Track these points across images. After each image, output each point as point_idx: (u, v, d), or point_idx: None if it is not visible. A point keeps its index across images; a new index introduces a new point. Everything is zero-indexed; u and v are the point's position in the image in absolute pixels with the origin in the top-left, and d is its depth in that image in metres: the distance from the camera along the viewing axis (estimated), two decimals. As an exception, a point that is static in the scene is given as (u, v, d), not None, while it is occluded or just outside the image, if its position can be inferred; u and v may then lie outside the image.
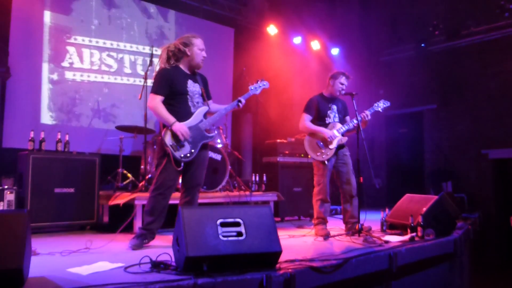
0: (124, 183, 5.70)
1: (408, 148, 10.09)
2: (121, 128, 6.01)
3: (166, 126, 3.65)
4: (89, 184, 4.95)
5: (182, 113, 3.67)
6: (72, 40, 6.78)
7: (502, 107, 8.85)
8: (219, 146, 6.08)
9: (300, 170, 6.45)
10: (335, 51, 9.90)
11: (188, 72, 3.81)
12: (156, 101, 3.64)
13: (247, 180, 6.62)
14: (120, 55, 7.29)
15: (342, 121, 4.93)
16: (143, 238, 3.67)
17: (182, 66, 3.80)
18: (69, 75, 6.72)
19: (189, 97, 3.72)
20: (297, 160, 6.50)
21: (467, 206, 8.32)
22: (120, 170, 5.79)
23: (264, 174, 6.34)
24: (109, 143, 6.62)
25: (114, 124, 6.71)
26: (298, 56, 9.49)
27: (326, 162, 4.67)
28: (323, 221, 4.73)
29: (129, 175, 5.80)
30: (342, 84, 4.84)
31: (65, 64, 6.69)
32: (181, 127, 3.59)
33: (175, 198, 4.78)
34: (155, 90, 3.67)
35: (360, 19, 10.56)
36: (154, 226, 3.70)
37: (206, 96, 3.87)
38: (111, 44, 7.21)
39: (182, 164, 3.64)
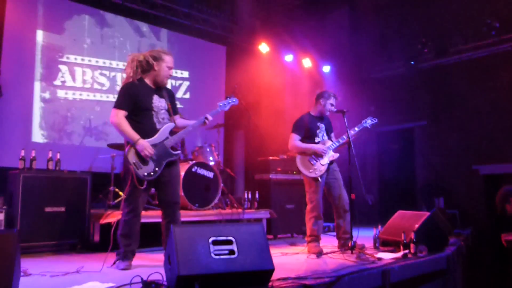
0: (116, 201, 5.65)
1: (400, 164, 10.12)
2: (113, 146, 5.99)
3: (129, 143, 3.58)
4: (80, 203, 4.91)
5: (146, 129, 3.60)
6: (64, 59, 6.80)
7: (491, 122, 8.93)
8: (212, 163, 6.08)
9: (292, 187, 6.45)
10: (326, 68, 9.99)
11: (153, 86, 3.74)
12: (119, 116, 3.54)
13: (239, 198, 6.58)
14: (113, 73, 7.31)
15: (329, 138, 5.00)
16: (128, 259, 3.62)
17: (147, 80, 3.73)
18: (61, 93, 6.72)
19: (154, 113, 3.65)
20: (289, 177, 6.50)
21: (459, 222, 8.32)
22: (111, 188, 5.76)
23: (257, 192, 6.32)
24: (101, 161, 6.59)
25: (106, 142, 6.69)
26: (289, 73, 9.57)
27: (319, 178, 4.68)
28: (316, 239, 4.72)
29: (120, 193, 5.76)
30: (332, 105, 4.93)
31: (57, 82, 6.69)
32: (145, 145, 3.51)
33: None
34: (118, 104, 3.58)
35: (351, 37, 10.68)
36: (133, 247, 3.66)
37: (172, 111, 3.79)
38: (104, 63, 7.24)
39: (145, 183, 3.56)
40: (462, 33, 9.29)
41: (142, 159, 3.56)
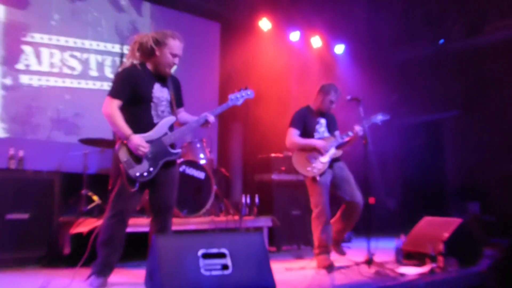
0: (89, 207, 5.63)
1: (427, 163, 10.12)
2: (86, 141, 5.98)
3: (121, 138, 3.62)
4: (46, 209, 4.92)
5: (142, 123, 3.65)
6: (28, 38, 6.77)
7: (534, 114, 8.91)
8: (202, 162, 6.08)
9: (299, 189, 6.40)
10: (339, 48, 9.95)
11: (155, 73, 3.78)
12: (112, 107, 3.57)
13: (236, 202, 6.61)
14: (85, 55, 7.28)
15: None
16: (104, 275, 3.62)
17: (149, 66, 3.77)
18: (24, 79, 6.69)
19: (153, 105, 3.68)
20: (295, 178, 6.49)
21: (497, 230, 8.32)
22: (84, 191, 5.73)
23: (257, 195, 6.33)
24: (71, 159, 6.57)
25: (77, 137, 6.65)
26: (295, 55, 9.54)
27: (317, 177, 4.72)
28: (326, 250, 4.74)
29: (94, 197, 5.76)
30: (331, 102, 5.03)
31: (20, 66, 6.67)
32: (138, 141, 3.54)
33: (135, 225, 4.77)
34: (114, 92, 3.61)
35: (369, 12, 10.64)
36: (112, 259, 3.66)
37: (176, 103, 3.83)
38: (75, 43, 7.21)
39: (137, 184, 3.59)
40: (500, 7, 9.26)
41: (135, 157, 3.59)
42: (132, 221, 4.96)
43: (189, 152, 6.24)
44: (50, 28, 7.00)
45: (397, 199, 10.46)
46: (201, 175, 5.78)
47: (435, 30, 10.01)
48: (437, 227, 4.88)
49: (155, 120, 3.69)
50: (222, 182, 7.10)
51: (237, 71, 6.84)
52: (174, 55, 3.75)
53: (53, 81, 6.94)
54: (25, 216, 4.76)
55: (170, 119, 3.76)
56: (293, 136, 4.95)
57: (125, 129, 3.56)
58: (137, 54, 3.74)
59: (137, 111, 3.66)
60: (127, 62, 3.77)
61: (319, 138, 4.96)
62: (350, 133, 4.92)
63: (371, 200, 4.72)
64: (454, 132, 10.07)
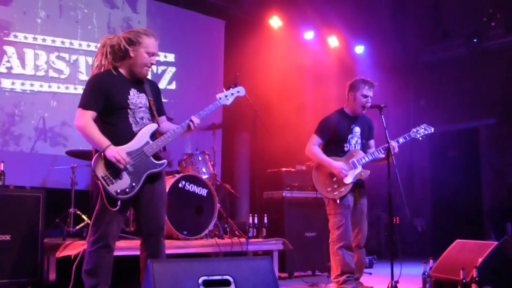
0: (77, 227, 5.68)
1: (460, 178, 10.08)
2: (74, 153, 6.02)
3: (98, 151, 3.59)
4: (30, 229, 4.91)
5: (119, 133, 3.62)
6: (11, 38, 6.84)
7: None
8: (205, 177, 6.09)
9: (313, 208, 6.42)
10: (359, 49, 9.98)
11: (130, 78, 3.76)
12: (85, 118, 3.57)
13: (242, 223, 6.62)
14: (74, 57, 7.34)
15: (365, 147, 5.01)
16: None
17: (122, 70, 3.76)
18: (6, 83, 6.76)
19: (130, 112, 3.67)
20: (309, 195, 6.50)
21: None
22: (71, 210, 5.77)
23: (266, 215, 6.34)
24: (58, 173, 6.62)
25: (64, 149, 6.72)
26: (310, 55, 9.57)
27: (338, 200, 4.70)
28: (351, 277, 4.74)
29: (84, 216, 5.79)
30: (365, 96, 4.92)
31: (1, 69, 6.73)
32: (117, 152, 3.51)
33: (125, 248, 4.80)
34: (84, 102, 3.60)
35: (393, 9, 10.67)
36: None
37: (156, 110, 3.81)
38: (62, 43, 7.28)
39: (119, 203, 3.57)
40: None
41: (115, 172, 3.56)
42: (124, 243, 5.02)
43: (190, 166, 6.25)
44: (35, 26, 7.07)
45: (425, 219, 10.41)
46: (203, 191, 5.78)
47: (469, 28, 10.00)
48: (470, 251, 4.86)
49: (134, 128, 3.67)
50: (227, 199, 7.06)
51: (243, 73, 6.86)
52: (150, 54, 3.74)
53: (38, 86, 7.00)
54: (6, 237, 4.78)
55: (151, 126, 3.74)
56: (313, 146, 4.89)
57: (102, 140, 3.54)
58: (109, 58, 3.71)
59: (113, 120, 3.64)
60: (96, 68, 3.74)
61: (348, 151, 4.87)
62: (383, 150, 4.80)
63: (396, 220, 4.71)
64: (491, 143, 10.03)
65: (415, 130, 4.98)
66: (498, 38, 9.77)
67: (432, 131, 5.02)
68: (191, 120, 3.80)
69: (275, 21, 8.94)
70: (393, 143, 4.77)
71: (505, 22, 9.52)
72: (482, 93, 10.05)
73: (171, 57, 8.36)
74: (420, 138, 4.99)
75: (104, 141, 3.54)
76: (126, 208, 3.71)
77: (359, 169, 4.81)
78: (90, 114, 3.59)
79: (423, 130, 4.99)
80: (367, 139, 5.06)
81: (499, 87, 9.87)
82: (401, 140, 4.88)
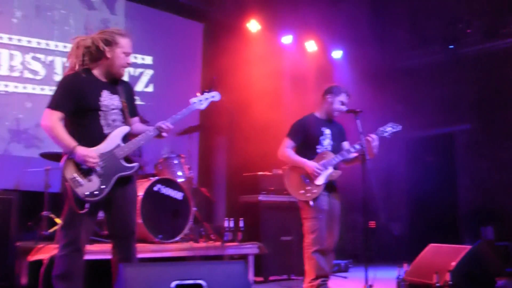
0: (51, 230, 5.61)
1: (436, 182, 10.15)
2: (48, 156, 5.97)
3: (66, 153, 3.56)
4: (2, 232, 4.88)
5: (90, 134, 3.59)
6: (-15, 38, 6.80)
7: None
8: (181, 180, 6.09)
9: (290, 212, 6.40)
10: (337, 54, 10.03)
11: (103, 79, 3.73)
12: (53, 119, 3.53)
13: (218, 227, 6.62)
14: (50, 58, 7.30)
15: (337, 149, 5.02)
16: None
17: (96, 72, 3.72)
18: (-21, 84, 6.70)
19: (101, 114, 3.63)
20: (285, 199, 6.50)
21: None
22: (45, 213, 5.72)
23: (241, 219, 6.33)
24: (32, 176, 6.55)
25: (38, 151, 6.66)
26: (288, 60, 9.59)
27: (311, 202, 4.72)
28: (325, 281, 4.75)
29: (57, 220, 5.74)
30: (342, 103, 5.00)
31: (-25, 70, 6.67)
32: (85, 152, 3.49)
33: (97, 252, 4.76)
34: (53, 103, 3.57)
35: (372, 14, 10.75)
36: None
37: (129, 112, 3.79)
38: (38, 43, 7.23)
39: (87, 205, 3.53)
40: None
41: (84, 174, 3.53)
42: (97, 246, 4.98)
43: (165, 169, 6.24)
44: (11, 26, 7.01)
45: (402, 223, 10.48)
46: (178, 195, 5.78)
47: (445, 34, 10.09)
48: (444, 255, 4.91)
49: (106, 131, 3.63)
50: (203, 203, 7.07)
51: (221, 77, 6.86)
52: (127, 54, 3.73)
53: (12, 87, 6.94)
54: (-23, 240, 4.75)
55: (123, 128, 3.71)
56: (286, 148, 4.92)
57: (69, 141, 3.50)
58: (86, 59, 3.68)
59: (84, 122, 3.61)
60: (69, 69, 3.71)
61: (320, 152, 4.91)
62: (358, 146, 4.83)
63: (372, 224, 4.73)
64: (467, 148, 10.10)
65: (381, 129, 5.01)
66: (474, 44, 9.86)
67: (400, 128, 5.05)
68: (160, 127, 3.78)
69: (253, 25, 8.95)
70: (373, 136, 4.82)
71: (481, 29, 9.64)
72: (458, 98, 10.13)
73: (148, 60, 8.34)
74: (388, 136, 5.01)
75: (71, 142, 3.50)
76: (96, 211, 3.68)
77: (330, 170, 4.83)
78: (58, 115, 3.55)
79: (390, 128, 5.02)
80: (340, 141, 5.09)
81: (474, 93, 9.96)
82: (374, 136, 4.87)
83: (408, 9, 10.86)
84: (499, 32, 9.49)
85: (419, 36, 10.63)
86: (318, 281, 4.74)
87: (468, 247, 4.83)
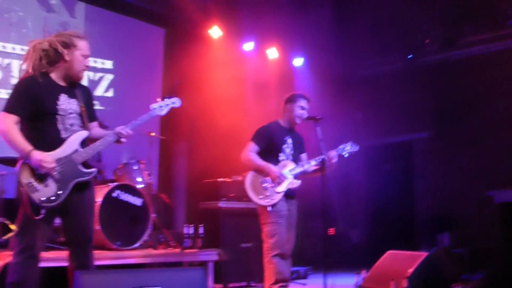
0: (5, 237, 5.54)
1: (394, 190, 10.25)
2: (3, 160, 5.86)
3: (22, 158, 3.51)
4: (-47, 240, 4.78)
5: (47, 139, 3.55)
6: None
7: (511, 136, 9.14)
8: (140, 186, 6.08)
9: (250, 219, 6.34)
10: (298, 61, 10.10)
11: (61, 83, 3.70)
12: (7, 123, 3.48)
13: (178, 233, 6.57)
14: (7, 61, 7.18)
15: (296, 160, 5.09)
16: None
17: (53, 75, 3.69)
18: None
19: (59, 118, 3.59)
20: (245, 205, 6.49)
21: (468, 264, 8.52)
22: (-1, 219, 5.62)
23: (201, 225, 6.29)
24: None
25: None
26: (249, 66, 9.61)
27: (269, 208, 4.76)
28: (285, 286, 4.77)
29: (12, 226, 5.63)
30: (302, 108, 5.03)
31: None
32: (40, 156, 3.43)
33: (53, 259, 4.69)
34: (9, 106, 3.52)
35: (333, 22, 10.85)
36: None
37: (88, 116, 3.76)
38: (-6, 46, 7.12)
39: (43, 211, 3.48)
40: (474, 20, 9.57)
41: (40, 179, 3.47)
42: (53, 253, 4.90)
43: (125, 175, 6.21)
44: (-35, 28, 6.89)
45: (360, 230, 10.58)
46: (137, 201, 5.75)
47: (405, 44, 10.25)
48: (401, 262, 4.97)
49: (63, 135, 3.59)
50: (162, 209, 7.04)
51: (182, 82, 6.85)
52: (85, 56, 3.71)
53: (-33, 90, 6.81)
54: None
55: (81, 133, 3.67)
56: (250, 151, 4.92)
57: (24, 145, 3.45)
58: (43, 63, 3.64)
59: (41, 126, 3.56)
60: (25, 73, 3.65)
61: (281, 161, 4.94)
62: (319, 159, 4.90)
63: (331, 231, 4.77)
64: (424, 156, 10.25)
65: (342, 147, 5.13)
66: (432, 54, 10.04)
67: (357, 149, 5.21)
68: (120, 132, 3.75)
69: (215, 31, 8.94)
70: (333, 153, 4.92)
71: (440, 39, 9.83)
72: (417, 107, 10.28)
73: (109, 64, 8.25)
74: (346, 156, 5.13)
75: (26, 146, 3.45)
76: (52, 217, 3.63)
77: (290, 179, 4.88)
78: (14, 119, 3.50)
79: (349, 147, 5.17)
80: (299, 152, 5.14)
81: (433, 101, 10.12)
82: (334, 153, 4.99)
83: (369, 18, 10.99)
84: (458, 42, 9.70)
85: (379, 45, 10.76)
86: (277, 286, 4.75)
87: (424, 254, 4.90)
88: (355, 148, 5.18)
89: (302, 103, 5.03)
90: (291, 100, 5.06)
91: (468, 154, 9.62)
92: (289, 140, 5.05)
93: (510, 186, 9.01)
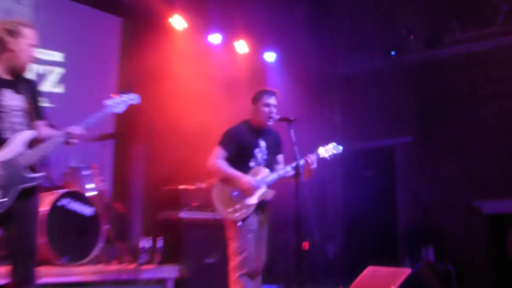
0: None
1: (375, 199, 10.29)
2: None
3: None
4: None
5: None
6: None
7: (500, 141, 9.23)
8: (91, 194, 6.02)
9: (215, 231, 6.37)
10: (270, 56, 10.05)
11: (5, 76, 3.68)
12: None
13: (133, 247, 6.49)
14: None
15: (272, 163, 5.01)
16: None
17: None
18: None
19: (3, 115, 3.56)
20: (210, 216, 6.50)
21: (454, 280, 8.56)
22: None
23: (160, 238, 6.30)
24: None
25: None
26: (217, 61, 9.55)
27: (239, 223, 4.67)
28: None
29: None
30: (267, 105, 4.91)
31: None
32: None
33: None
34: None
35: (308, 16, 10.86)
36: None
37: (35, 113, 3.74)
38: None
39: None
40: (460, 17, 9.66)
41: None
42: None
43: (74, 181, 6.14)
44: None
45: (337, 243, 10.58)
46: (88, 211, 5.70)
47: (387, 40, 10.30)
48: (382, 279, 4.98)
49: (9, 135, 3.56)
50: (117, 220, 6.92)
51: (141, 77, 6.74)
52: (31, 46, 3.71)
53: None
54: None
55: (27, 133, 3.64)
56: (217, 158, 4.80)
57: None
58: None
59: None
60: None
61: (253, 168, 4.85)
62: (292, 168, 4.83)
63: (305, 244, 4.72)
64: (408, 162, 10.32)
65: (324, 149, 5.07)
66: (416, 52, 10.10)
67: (341, 151, 5.18)
68: (71, 132, 3.69)
69: (177, 21, 8.83)
70: (312, 157, 4.86)
71: (425, 37, 9.88)
72: (400, 109, 10.32)
73: (58, 56, 8.10)
74: (329, 158, 5.09)
75: None
76: None
77: (263, 188, 4.79)
78: None
79: (332, 148, 5.12)
80: (274, 154, 5.06)
81: (417, 103, 10.18)
82: (313, 157, 4.91)
83: (348, 12, 11.03)
84: (442, 40, 9.77)
85: (359, 41, 10.80)
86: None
87: (407, 271, 4.89)
88: (338, 149, 5.13)
89: (267, 99, 4.90)
90: (254, 98, 4.98)
91: (455, 160, 9.70)
92: (262, 143, 4.95)
93: (499, 196, 9.13)
